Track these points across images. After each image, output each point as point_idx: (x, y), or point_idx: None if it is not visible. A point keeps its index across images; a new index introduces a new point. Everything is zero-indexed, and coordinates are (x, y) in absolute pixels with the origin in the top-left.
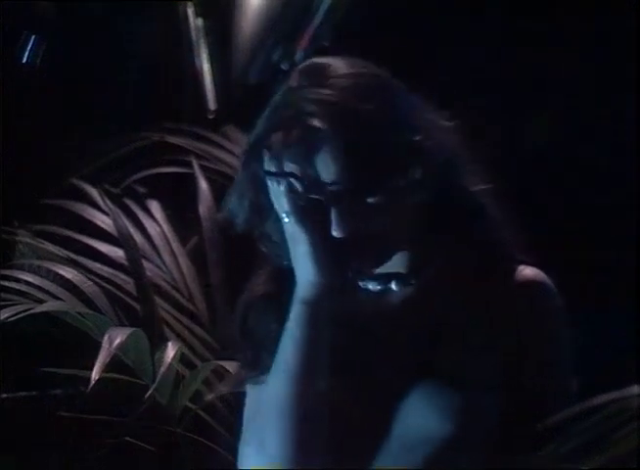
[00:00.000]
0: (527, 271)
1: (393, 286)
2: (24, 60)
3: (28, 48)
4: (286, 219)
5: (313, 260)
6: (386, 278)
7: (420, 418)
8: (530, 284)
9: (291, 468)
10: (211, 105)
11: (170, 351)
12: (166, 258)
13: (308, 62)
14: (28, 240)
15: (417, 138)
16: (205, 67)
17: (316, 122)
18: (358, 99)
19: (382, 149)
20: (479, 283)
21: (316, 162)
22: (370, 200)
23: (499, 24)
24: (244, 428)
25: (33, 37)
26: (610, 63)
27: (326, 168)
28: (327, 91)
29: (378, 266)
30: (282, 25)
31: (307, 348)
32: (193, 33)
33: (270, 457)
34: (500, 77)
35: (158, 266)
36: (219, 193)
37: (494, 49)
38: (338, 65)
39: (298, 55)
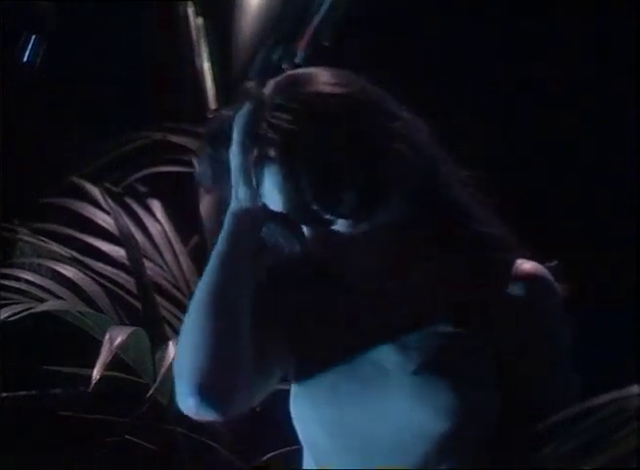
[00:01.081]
0: (526, 266)
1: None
2: (25, 59)
3: (28, 48)
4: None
5: (244, 173)
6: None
7: (414, 417)
8: (529, 279)
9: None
10: (212, 104)
11: (171, 350)
12: (167, 256)
13: (286, 75)
14: (29, 238)
15: (382, 167)
16: (206, 66)
17: (271, 152)
18: (318, 130)
19: (335, 184)
20: (474, 280)
21: (265, 187)
22: (328, 228)
23: (499, 24)
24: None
25: (33, 37)
26: (610, 63)
27: (272, 198)
28: (289, 117)
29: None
30: (282, 25)
31: (226, 256)
32: (193, 33)
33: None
34: (500, 77)
35: (159, 265)
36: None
37: (494, 49)
38: (313, 82)
39: (299, 54)
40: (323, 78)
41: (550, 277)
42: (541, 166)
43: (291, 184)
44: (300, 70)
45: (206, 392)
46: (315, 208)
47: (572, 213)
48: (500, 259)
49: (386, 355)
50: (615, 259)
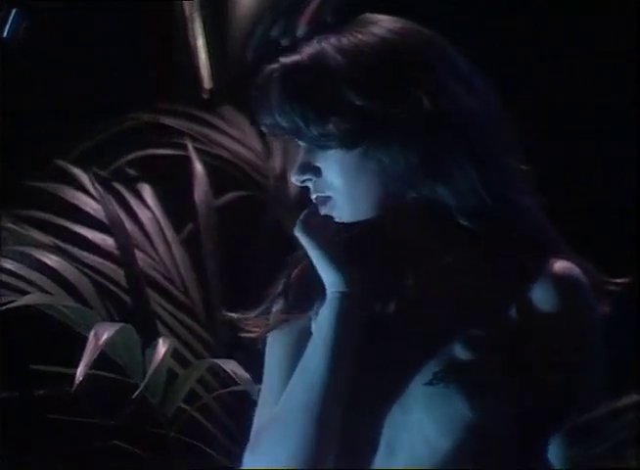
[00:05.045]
0: (558, 265)
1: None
2: (4, 35)
3: (8, 23)
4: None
5: (326, 269)
6: None
7: (423, 428)
8: (557, 279)
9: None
10: (207, 84)
11: (162, 347)
12: (159, 246)
13: (366, 14)
14: (12, 226)
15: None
16: (200, 43)
17: (286, 61)
18: (329, 63)
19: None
20: (502, 276)
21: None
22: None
23: (499, 23)
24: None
25: (14, 12)
26: (610, 63)
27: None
28: (324, 46)
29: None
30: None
31: (328, 361)
32: (186, 7)
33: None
34: (499, 77)
35: (150, 256)
36: (215, 177)
37: (494, 48)
38: (378, 30)
39: (301, 30)
40: (386, 33)
41: (582, 277)
42: (541, 166)
43: (295, 85)
44: (382, 17)
45: None
46: (310, 125)
47: (572, 213)
48: (531, 257)
49: (409, 363)
50: (615, 259)
